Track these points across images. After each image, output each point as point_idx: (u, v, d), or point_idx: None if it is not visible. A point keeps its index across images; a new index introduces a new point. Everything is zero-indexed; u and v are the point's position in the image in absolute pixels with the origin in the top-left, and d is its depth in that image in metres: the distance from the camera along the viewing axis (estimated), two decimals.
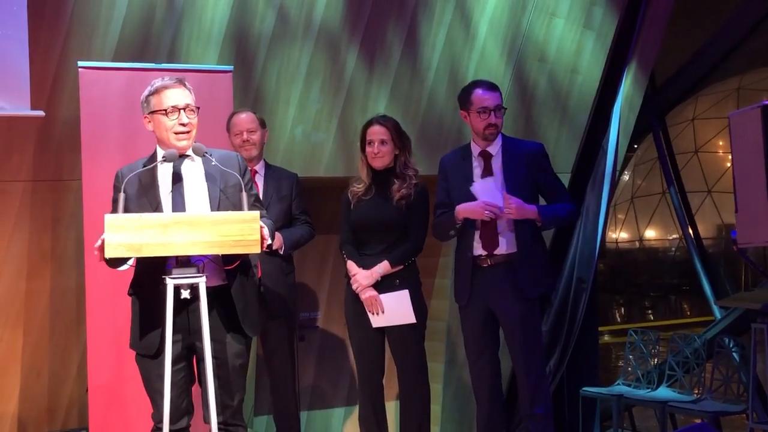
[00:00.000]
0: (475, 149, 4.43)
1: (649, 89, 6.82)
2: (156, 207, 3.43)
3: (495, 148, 4.40)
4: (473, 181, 4.34)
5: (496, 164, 4.38)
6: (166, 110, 3.46)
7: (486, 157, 4.40)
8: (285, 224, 4.72)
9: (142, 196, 3.45)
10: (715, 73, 8.29)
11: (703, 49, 7.80)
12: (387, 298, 4.44)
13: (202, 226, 3.19)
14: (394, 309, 4.45)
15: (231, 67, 5.00)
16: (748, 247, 3.62)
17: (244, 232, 3.20)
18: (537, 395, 4.37)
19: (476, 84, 4.44)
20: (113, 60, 4.97)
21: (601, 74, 6.42)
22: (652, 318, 16.90)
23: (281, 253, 4.61)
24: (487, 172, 4.38)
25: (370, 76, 5.73)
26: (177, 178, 3.46)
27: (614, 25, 6.39)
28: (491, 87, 4.39)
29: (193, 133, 3.48)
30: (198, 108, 3.51)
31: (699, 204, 17.87)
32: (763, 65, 15.52)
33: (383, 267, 4.45)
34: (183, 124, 3.44)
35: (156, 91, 3.50)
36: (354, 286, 4.49)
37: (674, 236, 20.48)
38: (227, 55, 5.31)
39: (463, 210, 4.30)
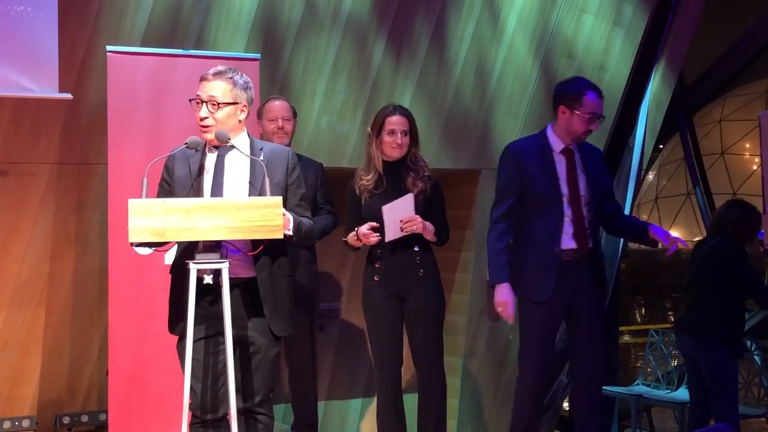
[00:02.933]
0: (557, 144, 4.30)
1: (677, 88, 6.77)
2: (197, 194, 3.44)
3: (574, 145, 4.33)
4: (558, 177, 4.24)
5: (578, 162, 4.31)
6: (192, 100, 3.48)
7: (569, 154, 4.30)
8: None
9: (188, 182, 3.46)
10: (744, 74, 8.21)
11: (733, 49, 7.72)
12: (389, 207, 4.37)
13: (225, 211, 3.19)
14: (399, 214, 4.38)
15: (258, 56, 5.00)
16: None
17: (266, 217, 3.19)
18: (599, 392, 4.37)
19: (588, 86, 4.27)
20: (141, 45, 4.98)
21: (629, 72, 6.38)
22: (672, 319, 16.79)
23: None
24: (572, 170, 4.28)
25: (396, 68, 5.72)
26: (219, 169, 3.45)
27: (644, 22, 6.34)
28: (601, 94, 4.28)
29: (217, 127, 3.43)
30: (230, 103, 3.45)
31: None
32: None
33: (430, 226, 4.43)
34: (200, 118, 3.44)
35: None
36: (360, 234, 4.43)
37: (698, 238, 20.36)
38: (255, 44, 5.31)
39: None
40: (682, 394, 5.87)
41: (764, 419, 5.62)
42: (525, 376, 4.36)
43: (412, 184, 4.46)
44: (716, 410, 4.90)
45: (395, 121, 4.46)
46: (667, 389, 5.97)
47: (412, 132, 4.49)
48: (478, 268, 6.11)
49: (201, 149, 3.49)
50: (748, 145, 18.87)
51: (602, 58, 6.26)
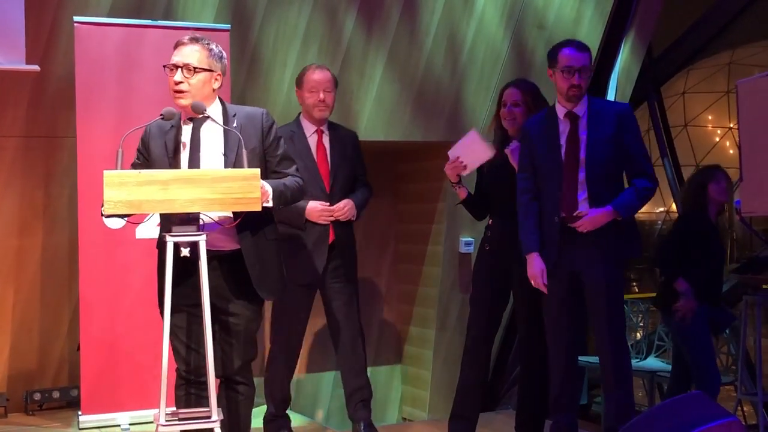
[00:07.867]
0: (561, 111, 4.13)
1: (646, 59, 6.80)
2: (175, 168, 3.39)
3: (581, 109, 4.10)
4: (561, 145, 4.07)
5: (582, 126, 4.10)
6: (165, 66, 3.43)
7: (573, 118, 4.11)
8: (351, 188, 4.50)
9: (165, 157, 3.41)
10: (710, 45, 8.26)
11: (701, 21, 7.77)
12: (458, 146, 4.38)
13: (203, 183, 3.14)
14: (472, 152, 4.37)
15: (228, 26, 4.94)
16: (752, 216, 3.59)
17: (244, 189, 3.15)
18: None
19: (566, 43, 4.15)
20: (109, 16, 4.91)
21: (599, 43, 6.39)
22: (636, 290, 17.00)
23: (353, 220, 4.45)
24: (573, 134, 4.09)
25: (368, 39, 5.68)
26: (195, 141, 3.41)
27: None
28: (580, 47, 4.11)
29: (191, 93, 3.39)
30: (205, 69, 3.41)
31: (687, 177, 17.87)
32: (754, 40, 15.50)
33: None
34: (175, 82, 3.39)
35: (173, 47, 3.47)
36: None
37: (660, 209, 20.56)
38: (224, 14, 5.25)
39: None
40: (651, 363, 5.94)
41: (732, 387, 5.70)
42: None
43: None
44: (697, 380, 4.99)
45: (506, 93, 4.41)
46: (636, 358, 6.03)
47: (529, 103, 4.38)
48: (449, 240, 6.12)
49: (176, 123, 3.44)
50: (710, 117, 19.03)
51: (573, 29, 6.26)
